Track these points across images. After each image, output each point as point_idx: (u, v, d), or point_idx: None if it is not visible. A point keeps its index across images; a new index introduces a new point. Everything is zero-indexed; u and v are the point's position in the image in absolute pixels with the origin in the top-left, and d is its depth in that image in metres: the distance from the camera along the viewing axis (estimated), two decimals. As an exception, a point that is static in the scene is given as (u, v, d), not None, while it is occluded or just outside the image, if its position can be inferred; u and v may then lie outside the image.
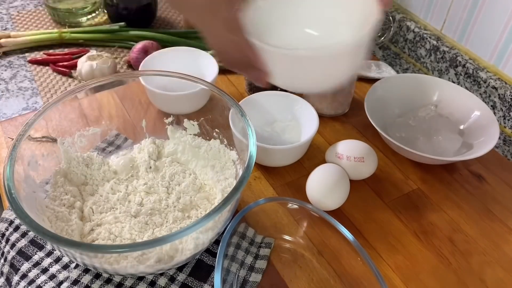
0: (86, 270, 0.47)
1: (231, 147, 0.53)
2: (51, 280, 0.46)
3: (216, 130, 0.55)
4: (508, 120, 0.69)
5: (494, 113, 0.71)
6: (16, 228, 0.50)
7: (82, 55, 0.74)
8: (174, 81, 0.53)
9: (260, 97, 0.63)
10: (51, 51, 0.80)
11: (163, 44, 0.79)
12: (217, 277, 0.40)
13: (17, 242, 0.49)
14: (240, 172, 0.44)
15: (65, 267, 0.47)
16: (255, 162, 0.59)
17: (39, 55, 0.79)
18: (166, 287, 0.46)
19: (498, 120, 0.67)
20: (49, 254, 0.48)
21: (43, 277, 0.46)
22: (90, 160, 0.54)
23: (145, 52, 0.73)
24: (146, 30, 0.84)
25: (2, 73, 0.74)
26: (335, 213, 0.53)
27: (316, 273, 0.48)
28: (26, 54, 0.79)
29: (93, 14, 0.91)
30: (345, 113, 0.69)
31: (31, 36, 0.80)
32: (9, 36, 0.79)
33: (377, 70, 0.77)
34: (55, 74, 0.75)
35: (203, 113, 0.55)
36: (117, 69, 0.75)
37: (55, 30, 0.82)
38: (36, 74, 0.75)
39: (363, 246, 0.46)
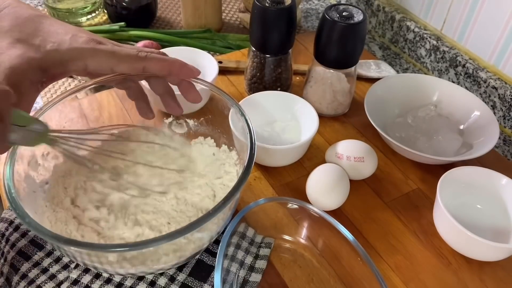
0: (86, 270, 0.47)
1: (231, 147, 0.53)
2: (51, 280, 0.46)
3: (216, 130, 0.55)
4: (508, 120, 0.69)
5: (494, 113, 0.71)
6: (16, 228, 0.50)
7: (82, 55, 0.74)
8: (174, 81, 0.53)
9: (260, 97, 0.63)
10: (51, 51, 0.80)
11: (163, 44, 0.79)
12: (217, 277, 0.40)
13: (17, 242, 0.49)
14: (240, 172, 0.44)
15: (65, 267, 0.47)
16: (255, 162, 0.59)
17: (39, 55, 0.79)
18: (166, 287, 0.46)
19: (498, 120, 0.67)
20: (49, 254, 0.48)
21: (43, 277, 0.46)
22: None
23: (145, 52, 0.73)
24: (146, 30, 0.84)
25: (2, 73, 0.74)
26: (335, 213, 0.53)
27: (316, 273, 0.48)
28: (26, 54, 0.79)
29: (93, 14, 0.91)
30: (345, 113, 0.69)
31: (31, 36, 0.80)
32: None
33: (377, 70, 0.77)
34: (55, 74, 0.75)
35: (203, 113, 0.55)
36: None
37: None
38: (36, 74, 0.75)
39: (363, 246, 0.46)
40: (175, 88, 0.50)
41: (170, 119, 0.57)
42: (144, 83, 0.51)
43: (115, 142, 0.52)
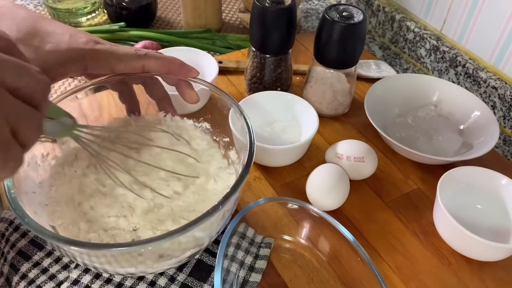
0: (86, 270, 0.47)
1: (231, 147, 0.53)
2: (51, 280, 0.46)
3: (216, 130, 0.55)
4: (508, 120, 0.69)
5: (494, 113, 0.71)
6: (16, 228, 0.50)
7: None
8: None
9: (260, 97, 0.63)
10: (51, 51, 0.80)
11: (163, 44, 0.79)
12: (217, 277, 0.40)
13: (17, 242, 0.49)
14: (240, 171, 0.44)
15: (65, 267, 0.47)
16: (255, 162, 0.59)
17: (39, 55, 0.79)
18: (166, 287, 0.46)
19: (498, 120, 0.67)
20: (49, 254, 0.48)
21: (43, 277, 0.46)
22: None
23: (145, 52, 0.73)
24: (146, 30, 0.84)
25: (2, 73, 0.74)
26: (335, 213, 0.53)
27: (316, 273, 0.48)
28: (26, 54, 0.79)
29: (93, 14, 0.91)
30: (345, 113, 0.69)
31: (31, 36, 0.80)
32: (9, 36, 0.79)
33: (377, 70, 0.77)
34: (55, 74, 0.75)
35: (203, 113, 0.55)
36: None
37: (55, 30, 0.82)
38: (36, 74, 0.74)
39: (363, 246, 0.46)
40: (172, 88, 0.50)
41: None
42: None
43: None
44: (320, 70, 0.65)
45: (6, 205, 0.52)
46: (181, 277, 0.47)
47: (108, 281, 0.46)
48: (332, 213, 0.52)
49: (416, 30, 0.81)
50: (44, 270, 0.47)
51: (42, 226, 0.37)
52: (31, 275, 0.46)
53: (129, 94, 0.52)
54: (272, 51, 0.65)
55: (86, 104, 0.53)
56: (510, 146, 0.69)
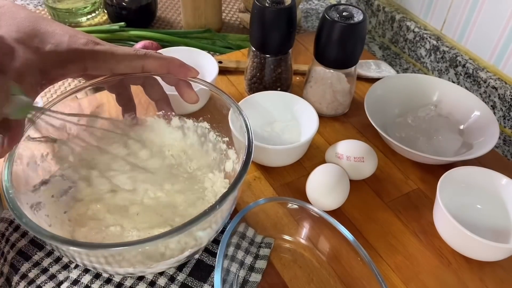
0: (86, 270, 0.47)
1: (230, 147, 0.53)
2: (51, 280, 0.46)
3: (216, 129, 0.55)
4: (508, 120, 0.69)
5: (494, 113, 0.71)
6: (16, 228, 0.50)
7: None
8: (174, 81, 0.53)
9: (260, 97, 0.63)
10: (51, 51, 0.80)
11: (163, 44, 0.79)
12: (217, 277, 0.40)
13: (17, 242, 0.49)
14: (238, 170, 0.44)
15: (65, 267, 0.47)
16: (255, 162, 0.59)
17: (39, 55, 0.79)
18: (166, 287, 0.46)
19: (498, 120, 0.67)
20: (49, 254, 0.48)
21: (43, 277, 0.46)
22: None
23: (145, 52, 0.73)
24: (146, 30, 0.84)
25: (2, 73, 0.74)
26: (335, 213, 0.53)
27: (316, 273, 0.48)
28: (26, 54, 0.79)
29: (93, 14, 0.91)
30: (345, 113, 0.69)
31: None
32: (9, 36, 0.79)
33: (377, 70, 0.77)
34: (55, 74, 0.75)
35: (203, 113, 0.55)
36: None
37: (55, 30, 0.82)
38: (36, 74, 0.74)
39: (363, 246, 0.46)
40: (172, 88, 0.50)
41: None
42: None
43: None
44: (320, 70, 0.65)
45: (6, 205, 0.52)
46: (181, 277, 0.47)
47: (108, 281, 0.46)
48: (332, 213, 0.52)
49: (416, 30, 0.81)
50: (44, 270, 0.47)
51: (40, 227, 0.37)
52: (31, 275, 0.46)
53: (126, 97, 0.52)
54: (272, 51, 0.65)
55: (86, 104, 0.53)
56: (510, 146, 0.69)
